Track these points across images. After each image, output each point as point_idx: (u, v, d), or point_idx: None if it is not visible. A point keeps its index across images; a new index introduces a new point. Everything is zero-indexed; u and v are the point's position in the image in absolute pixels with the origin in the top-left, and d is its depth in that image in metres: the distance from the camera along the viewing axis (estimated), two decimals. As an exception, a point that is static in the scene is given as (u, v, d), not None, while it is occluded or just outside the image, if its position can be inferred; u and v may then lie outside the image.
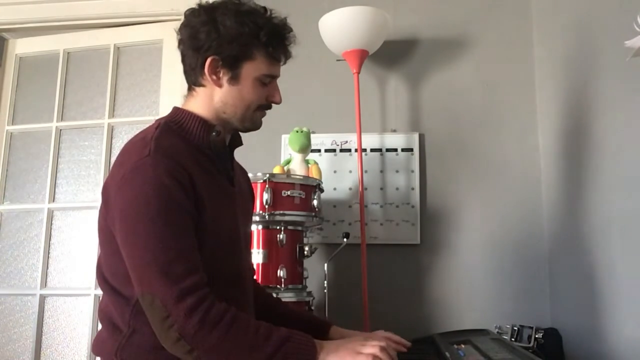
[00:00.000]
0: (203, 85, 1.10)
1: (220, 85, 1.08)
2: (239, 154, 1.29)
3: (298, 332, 0.99)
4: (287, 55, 1.13)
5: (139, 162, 0.97)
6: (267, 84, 1.11)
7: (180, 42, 1.10)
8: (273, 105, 1.17)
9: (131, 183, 0.96)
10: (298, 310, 1.42)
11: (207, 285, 0.96)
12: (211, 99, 1.10)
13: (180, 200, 0.97)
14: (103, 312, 1.07)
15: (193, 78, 1.10)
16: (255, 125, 1.15)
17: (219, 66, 1.06)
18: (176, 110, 1.13)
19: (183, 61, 1.11)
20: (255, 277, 1.34)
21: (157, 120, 1.10)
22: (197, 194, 1.01)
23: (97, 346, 1.06)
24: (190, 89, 1.13)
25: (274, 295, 1.42)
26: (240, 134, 1.22)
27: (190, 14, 1.08)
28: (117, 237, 0.97)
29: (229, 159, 1.18)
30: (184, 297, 0.91)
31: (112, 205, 0.98)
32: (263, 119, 1.18)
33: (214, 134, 1.10)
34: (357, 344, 1.00)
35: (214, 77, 1.07)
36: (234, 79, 1.07)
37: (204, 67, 1.06)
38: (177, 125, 1.08)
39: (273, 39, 1.06)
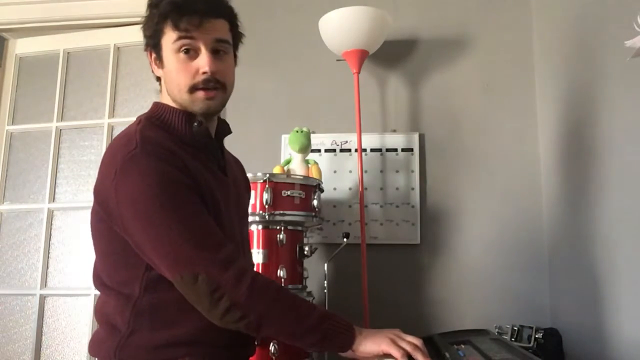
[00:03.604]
0: (159, 79, 1.13)
1: (159, 73, 1.11)
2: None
3: (336, 313, 1.02)
4: (190, 20, 1.03)
5: (128, 155, 0.96)
6: (191, 58, 1.04)
7: None
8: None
9: (127, 178, 0.95)
10: None
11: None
12: (165, 89, 1.11)
13: (181, 180, 0.97)
14: (100, 313, 1.06)
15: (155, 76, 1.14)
16: (197, 107, 1.06)
17: (151, 54, 1.10)
18: (155, 105, 1.12)
19: None
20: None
21: (138, 117, 1.10)
22: (193, 178, 1.00)
23: (94, 347, 1.05)
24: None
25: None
26: (230, 124, 1.21)
27: None
28: (132, 235, 0.96)
29: (217, 148, 1.15)
30: (227, 267, 0.93)
31: (114, 205, 0.96)
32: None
33: (195, 124, 1.08)
34: (395, 335, 1.00)
35: (153, 66, 1.11)
36: (160, 60, 1.08)
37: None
38: (158, 119, 1.08)
39: (170, 7, 1.04)
